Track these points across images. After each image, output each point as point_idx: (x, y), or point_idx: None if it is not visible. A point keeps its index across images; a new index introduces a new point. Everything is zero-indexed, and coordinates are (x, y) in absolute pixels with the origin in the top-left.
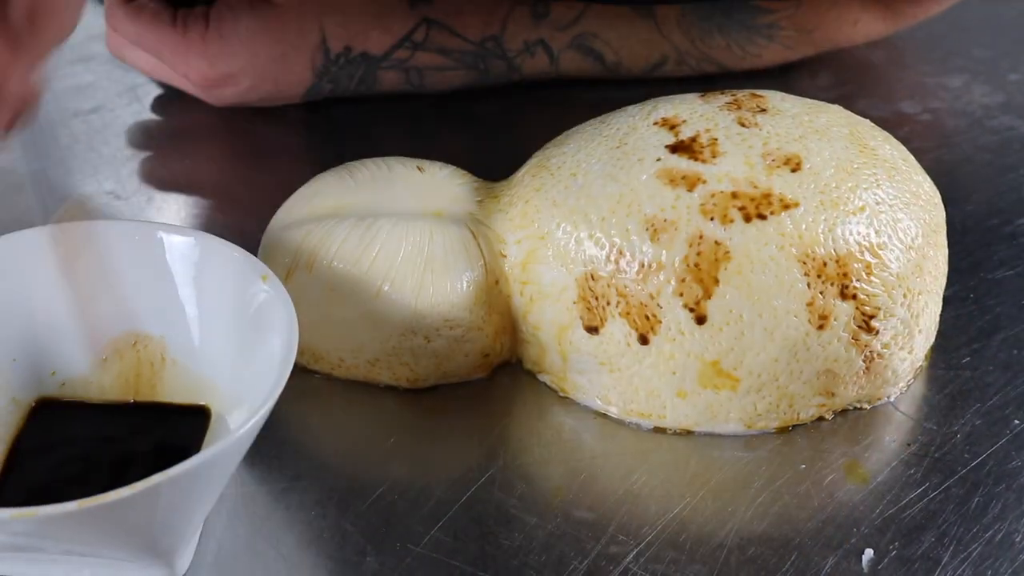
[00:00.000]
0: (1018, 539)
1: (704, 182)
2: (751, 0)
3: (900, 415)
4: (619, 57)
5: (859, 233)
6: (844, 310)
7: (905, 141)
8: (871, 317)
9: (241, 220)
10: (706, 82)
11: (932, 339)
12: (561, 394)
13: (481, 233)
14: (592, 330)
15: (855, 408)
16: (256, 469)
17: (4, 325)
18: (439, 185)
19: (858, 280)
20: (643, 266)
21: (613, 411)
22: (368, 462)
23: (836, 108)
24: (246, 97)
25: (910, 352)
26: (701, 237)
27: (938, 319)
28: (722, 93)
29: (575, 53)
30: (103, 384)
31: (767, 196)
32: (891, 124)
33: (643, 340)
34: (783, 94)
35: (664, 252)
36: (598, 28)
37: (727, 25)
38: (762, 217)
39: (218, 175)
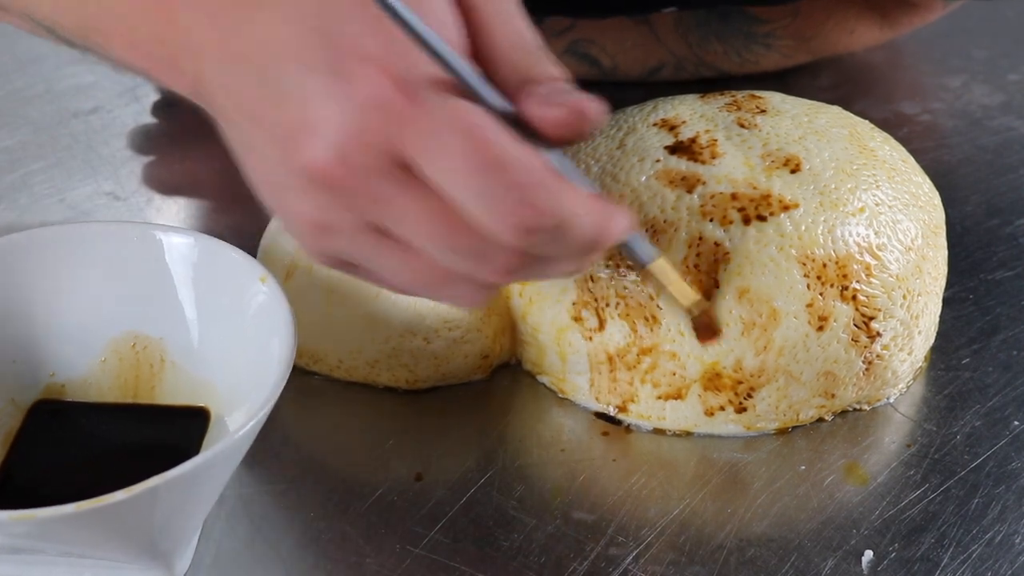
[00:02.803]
0: (1018, 540)
1: (704, 183)
2: (747, 9)
3: (900, 416)
4: (615, 62)
5: (859, 234)
6: (844, 311)
7: (904, 142)
8: (871, 318)
9: (240, 221)
10: (706, 83)
11: (932, 340)
12: (560, 395)
13: None
14: (590, 336)
15: (855, 409)
16: (255, 470)
17: (4, 326)
18: None
19: (858, 281)
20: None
21: (612, 412)
22: (367, 463)
23: (836, 109)
24: None
25: (910, 353)
26: (701, 238)
27: (938, 320)
28: (722, 94)
29: (571, 59)
30: (102, 386)
31: (767, 197)
32: (890, 125)
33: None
34: (783, 95)
35: (664, 253)
36: (593, 34)
37: (724, 32)
38: (762, 218)
39: (217, 176)
